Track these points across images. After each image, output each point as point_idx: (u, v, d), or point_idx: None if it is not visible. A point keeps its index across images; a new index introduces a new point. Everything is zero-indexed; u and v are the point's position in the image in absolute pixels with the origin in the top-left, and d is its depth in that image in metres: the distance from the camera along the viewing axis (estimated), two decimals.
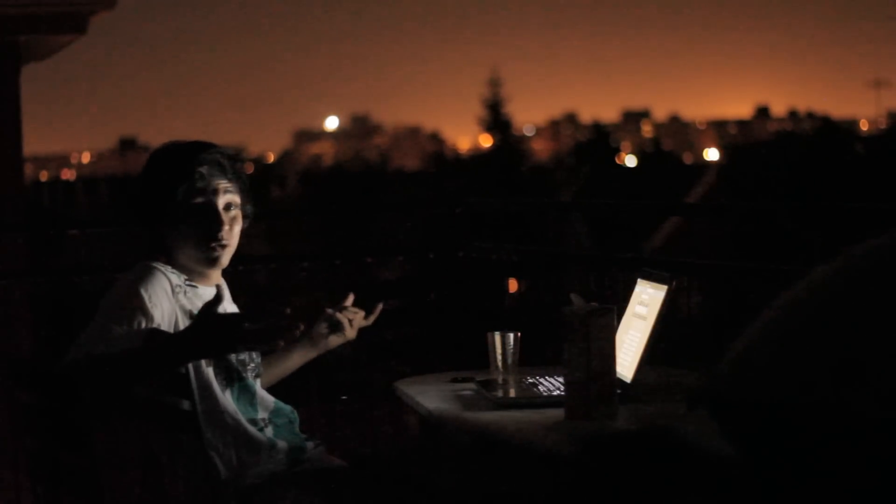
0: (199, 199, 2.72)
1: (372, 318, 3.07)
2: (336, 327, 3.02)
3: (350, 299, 3.05)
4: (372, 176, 34.80)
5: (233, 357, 2.73)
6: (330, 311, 3.02)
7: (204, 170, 2.72)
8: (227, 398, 2.69)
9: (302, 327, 2.40)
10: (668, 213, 18.97)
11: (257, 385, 2.80)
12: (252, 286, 4.74)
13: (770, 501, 1.49)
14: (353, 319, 3.03)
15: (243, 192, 2.79)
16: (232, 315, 2.48)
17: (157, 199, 2.72)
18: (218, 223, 2.72)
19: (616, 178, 29.94)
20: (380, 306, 3.07)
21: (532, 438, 2.52)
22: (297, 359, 3.05)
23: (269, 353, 2.96)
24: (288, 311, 2.40)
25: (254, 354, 2.79)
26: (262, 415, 2.76)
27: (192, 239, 2.71)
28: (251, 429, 2.70)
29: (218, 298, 2.42)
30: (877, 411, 1.42)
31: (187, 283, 2.71)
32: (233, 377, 2.72)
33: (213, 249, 2.72)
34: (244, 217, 2.81)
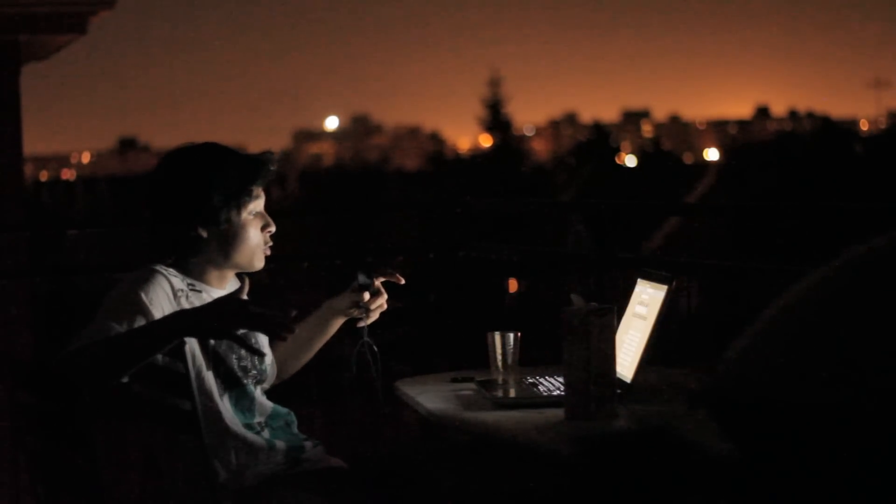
0: (256, 210, 2.77)
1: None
2: (360, 306, 2.99)
3: (400, 279, 3.01)
4: (372, 176, 34.81)
5: (234, 363, 2.72)
6: (360, 285, 2.99)
7: (261, 184, 2.78)
8: (224, 402, 2.69)
9: (295, 331, 2.45)
10: (668, 213, 18.99)
11: (257, 391, 2.79)
12: (252, 286, 4.74)
13: (770, 501, 1.49)
14: (376, 306, 3.00)
15: None
16: (241, 297, 2.50)
17: (208, 204, 2.71)
18: (271, 227, 2.80)
19: (616, 178, 29.93)
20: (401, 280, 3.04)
21: (532, 438, 2.51)
22: (331, 330, 3.06)
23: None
24: (294, 313, 2.44)
25: (256, 361, 2.79)
26: (258, 419, 2.75)
27: (250, 245, 2.76)
28: (248, 433, 2.70)
29: (240, 288, 2.48)
30: (877, 411, 1.42)
31: (191, 288, 2.71)
32: (232, 382, 2.72)
33: (263, 253, 2.80)
34: None
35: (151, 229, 2.76)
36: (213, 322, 2.44)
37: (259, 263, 2.80)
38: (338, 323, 3.04)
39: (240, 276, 2.69)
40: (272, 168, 2.78)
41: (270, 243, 2.81)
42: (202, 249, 2.73)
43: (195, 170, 2.73)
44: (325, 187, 33.19)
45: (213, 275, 2.76)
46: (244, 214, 2.74)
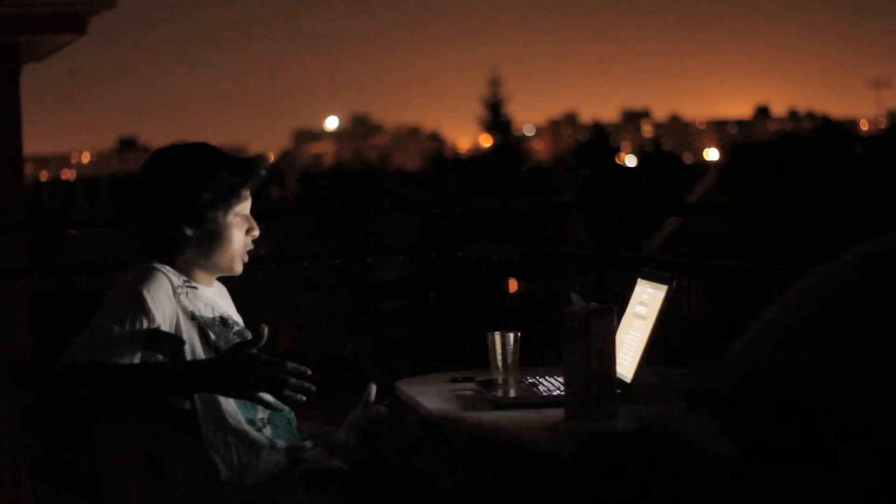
0: (242, 213, 2.78)
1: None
2: (368, 436, 2.86)
3: (371, 391, 2.90)
4: (372, 176, 34.80)
5: None
6: (353, 417, 2.88)
7: (250, 187, 2.79)
8: (227, 398, 2.69)
9: (312, 390, 2.47)
10: (668, 213, 18.98)
11: None
12: (252, 286, 4.75)
13: (770, 501, 1.49)
14: (381, 424, 2.88)
15: None
16: (257, 358, 2.50)
17: (196, 202, 2.73)
18: (255, 230, 2.81)
19: (616, 178, 29.93)
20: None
21: (532, 438, 2.52)
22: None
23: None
24: (309, 371, 2.46)
25: None
26: (261, 415, 2.76)
27: (233, 247, 2.77)
28: (251, 429, 2.70)
29: (256, 339, 2.49)
30: (877, 409, 1.42)
31: (187, 284, 2.72)
32: None
33: (243, 258, 2.80)
34: None
35: (140, 226, 2.78)
36: (238, 382, 2.49)
37: (238, 267, 2.81)
38: None
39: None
40: (263, 172, 2.80)
41: (251, 247, 2.83)
42: (186, 248, 2.74)
43: (187, 167, 2.76)
44: (325, 187, 33.17)
45: (200, 274, 2.77)
46: (230, 216, 2.76)
